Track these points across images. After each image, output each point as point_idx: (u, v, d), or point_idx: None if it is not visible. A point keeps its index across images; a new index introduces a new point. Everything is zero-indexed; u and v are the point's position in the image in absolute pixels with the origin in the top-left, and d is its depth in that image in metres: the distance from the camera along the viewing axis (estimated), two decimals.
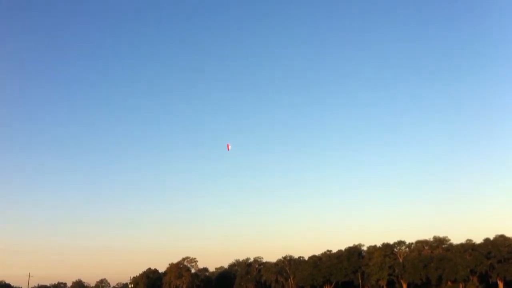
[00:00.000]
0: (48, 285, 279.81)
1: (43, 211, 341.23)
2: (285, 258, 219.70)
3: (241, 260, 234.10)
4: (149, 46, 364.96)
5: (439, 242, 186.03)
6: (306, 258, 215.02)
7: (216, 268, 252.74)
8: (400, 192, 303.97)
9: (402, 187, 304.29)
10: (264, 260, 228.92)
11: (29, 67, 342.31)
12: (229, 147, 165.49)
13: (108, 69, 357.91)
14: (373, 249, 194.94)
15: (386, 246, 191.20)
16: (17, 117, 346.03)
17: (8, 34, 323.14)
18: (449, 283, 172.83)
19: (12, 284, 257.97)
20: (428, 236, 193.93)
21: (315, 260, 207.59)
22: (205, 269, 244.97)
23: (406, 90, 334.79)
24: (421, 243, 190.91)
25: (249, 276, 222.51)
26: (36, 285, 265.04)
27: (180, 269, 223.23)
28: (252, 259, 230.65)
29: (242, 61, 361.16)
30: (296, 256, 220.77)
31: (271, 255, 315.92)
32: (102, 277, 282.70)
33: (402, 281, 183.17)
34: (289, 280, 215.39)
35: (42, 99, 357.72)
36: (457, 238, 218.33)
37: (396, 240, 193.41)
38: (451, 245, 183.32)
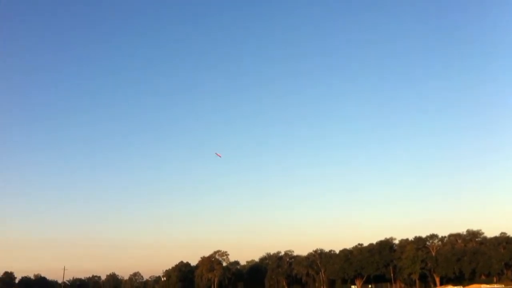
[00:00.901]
0: (83, 278, 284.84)
1: (78, 205, 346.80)
2: (316, 251, 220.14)
3: (272, 254, 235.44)
4: (149, 47, 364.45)
5: (473, 235, 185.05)
6: (337, 252, 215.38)
7: (247, 262, 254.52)
8: (433, 184, 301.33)
9: (435, 179, 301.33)
10: (295, 254, 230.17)
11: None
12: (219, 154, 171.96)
13: (108, 69, 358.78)
14: (405, 242, 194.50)
15: (418, 239, 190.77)
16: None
17: (8, 34, 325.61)
18: (482, 276, 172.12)
19: (48, 277, 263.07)
20: (461, 229, 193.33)
21: (346, 254, 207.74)
22: (237, 263, 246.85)
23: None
24: (454, 237, 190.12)
25: (280, 270, 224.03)
26: (71, 278, 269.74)
27: (211, 262, 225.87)
28: (283, 253, 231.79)
29: (242, 61, 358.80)
30: (327, 249, 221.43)
31: (302, 249, 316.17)
32: (136, 270, 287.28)
33: (434, 275, 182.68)
34: (320, 273, 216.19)
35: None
36: (491, 231, 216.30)
37: (428, 234, 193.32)
38: (484, 238, 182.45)
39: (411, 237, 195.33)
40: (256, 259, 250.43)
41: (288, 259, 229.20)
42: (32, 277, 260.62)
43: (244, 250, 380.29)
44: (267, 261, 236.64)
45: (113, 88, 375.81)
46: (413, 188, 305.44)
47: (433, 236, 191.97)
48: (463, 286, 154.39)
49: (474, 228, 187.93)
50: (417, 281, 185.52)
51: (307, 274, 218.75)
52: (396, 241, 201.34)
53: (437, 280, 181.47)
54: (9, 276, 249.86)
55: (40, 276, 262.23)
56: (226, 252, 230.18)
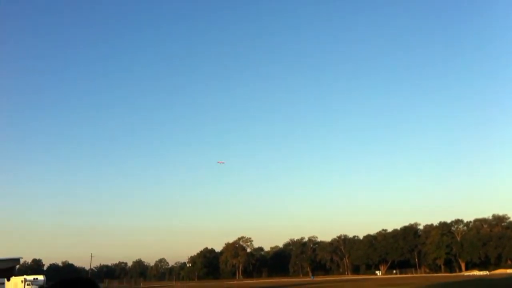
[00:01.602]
0: (110, 264, 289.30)
1: (104, 193, 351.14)
2: (339, 237, 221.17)
3: (295, 240, 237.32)
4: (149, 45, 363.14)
5: (498, 220, 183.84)
6: (361, 238, 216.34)
7: (271, 248, 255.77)
8: (458, 169, 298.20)
9: (461, 164, 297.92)
10: (318, 240, 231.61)
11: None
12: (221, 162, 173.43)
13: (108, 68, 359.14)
14: (429, 228, 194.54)
15: (443, 224, 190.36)
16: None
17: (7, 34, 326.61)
18: (508, 261, 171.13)
19: (75, 264, 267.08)
20: (487, 214, 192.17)
21: (370, 240, 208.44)
22: (260, 249, 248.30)
23: None
24: (480, 222, 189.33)
25: (304, 255, 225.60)
26: (98, 265, 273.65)
27: (236, 248, 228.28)
28: (306, 239, 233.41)
29: (241, 59, 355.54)
30: (350, 235, 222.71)
31: (326, 235, 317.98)
32: (161, 257, 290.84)
33: (460, 260, 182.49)
34: (344, 259, 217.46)
35: None
36: None
37: (453, 219, 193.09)
38: (510, 223, 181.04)
39: (436, 222, 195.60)
40: (280, 245, 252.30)
41: (312, 245, 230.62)
42: (60, 264, 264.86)
43: (268, 237, 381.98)
44: (291, 247, 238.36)
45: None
46: (438, 173, 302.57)
47: (458, 221, 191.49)
48: (488, 271, 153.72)
49: (500, 213, 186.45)
50: (442, 266, 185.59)
51: (331, 260, 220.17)
52: (421, 227, 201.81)
53: (463, 265, 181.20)
54: (37, 263, 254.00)
55: (68, 263, 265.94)
56: (250, 238, 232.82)
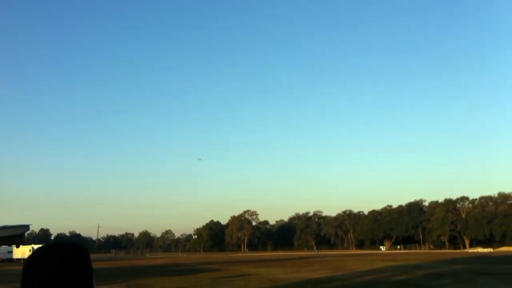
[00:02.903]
0: (116, 235, 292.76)
1: (111, 165, 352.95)
2: (344, 212, 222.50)
3: (301, 214, 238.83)
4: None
5: (504, 198, 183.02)
6: (366, 213, 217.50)
7: (276, 221, 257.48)
8: (464, 146, 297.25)
9: (466, 141, 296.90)
10: (323, 214, 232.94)
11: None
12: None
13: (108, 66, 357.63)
14: (435, 204, 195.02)
15: (448, 201, 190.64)
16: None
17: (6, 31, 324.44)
18: None
19: (82, 234, 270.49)
20: (493, 192, 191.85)
21: (375, 215, 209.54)
22: (266, 222, 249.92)
23: None
24: (485, 199, 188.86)
25: (309, 230, 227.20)
26: (105, 235, 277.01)
27: (241, 221, 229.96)
28: (312, 213, 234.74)
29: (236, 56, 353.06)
30: (355, 211, 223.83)
31: (331, 210, 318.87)
32: (167, 228, 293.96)
33: (464, 237, 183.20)
34: (349, 234, 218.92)
35: None
36: None
37: (459, 196, 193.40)
38: None
39: (441, 199, 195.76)
40: (285, 219, 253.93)
41: (317, 220, 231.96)
42: (67, 234, 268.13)
43: (273, 210, 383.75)
44: (296, 221, 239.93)
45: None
46: (443, 150, 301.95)
47: (463, 199, 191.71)
48: (493, 249, 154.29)
49: (506, 191, 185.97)
50: (446, 243, 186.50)
51: (336, 235, 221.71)
52: (426, 203, 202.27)
53: (467, 242, 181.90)
54: (44, 233, 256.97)
55: (75, 233, 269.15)
56: (255, 211, 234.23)
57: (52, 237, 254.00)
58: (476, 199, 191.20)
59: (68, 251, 1.86)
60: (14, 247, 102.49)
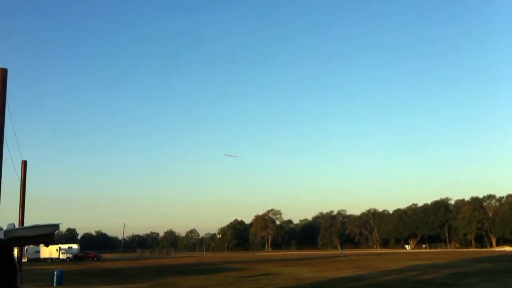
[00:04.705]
0: (142, 234, 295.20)
1: (137, 165, 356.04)
2: (369, 211, 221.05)
3: (325, 213, 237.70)
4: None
5: None
6: (391, 212, 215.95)
7: (300, 221, 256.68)
8: (491, 144, 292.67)
9: (493, 138, 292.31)
10: (348, 213, 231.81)
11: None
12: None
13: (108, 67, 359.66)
14: (461, 203, 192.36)
15: (475, 200, 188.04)
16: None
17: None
18: None
19: (108, 233, 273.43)
20: None
21: (400, 214, 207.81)
22: (290, 221, 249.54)
23: None
24: None
25: (333, 229, 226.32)
26: (131, 235, 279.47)
27: (265, 220, 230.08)
28: (336, 212, 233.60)
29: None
30: (380, 209, 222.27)
31: (355, 209, 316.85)
32: (192, 228, 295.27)
33: (491, 236, 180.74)
34: (374, 233, 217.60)
35: None
36: None
37: (485, 194, 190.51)
38: None
39: (467, 197, 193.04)
40: (309, 218, 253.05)
41: (341, 219, 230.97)
42: (94, 233, 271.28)
43: (297, 210, 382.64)
44: (320, 220, 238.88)
45: None
46: (470, 147, 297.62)
47: (490, 197, 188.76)
48: None
49: None
50: (472, 242, 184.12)
51: (360, 234, 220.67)
52: (452, 202, 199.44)
53: (494, 241, 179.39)
54: (71, 232, 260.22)
55: (101, 233, 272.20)
56: (279, 211, 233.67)
57: (79, 237, 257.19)
58: (503, 197, 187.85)
59: None
60: (41, 247, 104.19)
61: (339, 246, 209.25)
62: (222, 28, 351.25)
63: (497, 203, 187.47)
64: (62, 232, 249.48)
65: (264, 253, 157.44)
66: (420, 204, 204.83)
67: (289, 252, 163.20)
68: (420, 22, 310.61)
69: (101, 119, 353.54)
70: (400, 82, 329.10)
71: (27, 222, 38.16)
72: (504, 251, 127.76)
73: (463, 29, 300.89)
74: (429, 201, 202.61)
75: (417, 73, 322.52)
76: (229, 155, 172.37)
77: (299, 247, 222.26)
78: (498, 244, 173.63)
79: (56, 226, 23.38)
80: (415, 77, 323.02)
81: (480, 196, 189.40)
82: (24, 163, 38.58)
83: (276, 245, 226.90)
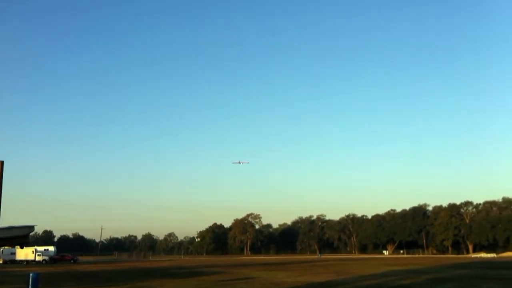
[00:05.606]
0: (119, 237, 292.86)
1: (115, 167, 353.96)
2: (348, 216, 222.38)
3: (304, 218, 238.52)
4: None
5: (508, 202, 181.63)
6: (370, 217, 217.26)
7: (279, 225, 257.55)
8: (469, 151, 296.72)
9: (471, 146, 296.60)
10: (327, 218, 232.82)
11: None
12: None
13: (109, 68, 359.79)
14: (438, 209, 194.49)
15: (452, 206, 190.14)
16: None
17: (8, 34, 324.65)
18: None
19: (86, 236, 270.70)
20: (497, 197, 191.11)
21: (378, 219, 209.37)
22: (269, 226, 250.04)
23: None
24: (489, 204, 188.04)
25: (312, 233, 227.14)
26: (108, 237, 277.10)
27: (244, 224, 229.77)
28: (315, 217, 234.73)
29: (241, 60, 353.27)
30: (359, 215, 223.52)
31: (334, 214, 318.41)
32: (170, 231, 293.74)
33: (468, 242, 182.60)
34: (352, 238, 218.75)
35: None
36: None
37: (463, 201, 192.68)
38: None
39: (445, 204, 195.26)
40: (289, 222, 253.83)
41: (320, 223, 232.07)
42: (71, 235, 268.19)
43: (277, 214, 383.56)
44: (299, 224, 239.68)
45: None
46: (448, 154, 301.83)
47: (467, 203, 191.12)
48: (496, 254, 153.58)
49: (510, 195, 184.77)
50: (449, 248, 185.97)
51: (339, 239, 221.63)
52: (430, 208, 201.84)
53: (470, 247, 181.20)
54: (48, 234, 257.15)
55: (78, 235, 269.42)
56: (259, 215, 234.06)
57: (55, 239, 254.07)
58: (480, 204, 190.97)
59: None
60: (17, 249, 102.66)
61: (317, 251, 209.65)
62: (224, 29, 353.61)
63: (474, 209, 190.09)
64: (39, 234, 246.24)
65: (243, 257, 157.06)
66: (398, 210, 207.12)
67: (268, 257, 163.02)
68: (422, 27, 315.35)
69: (79, 123, 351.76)
70: (377, 90, 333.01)
71: (3, 224, 37.60)
72: (481, 257, 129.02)
73: (459, 37, 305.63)
74: (407, 207, 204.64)
75: (396, 85, 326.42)
76: (240, 162, 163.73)
77: (278, 252, 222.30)
78: (474, 251, 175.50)
79: (31, 228, 23.03)
80: (394, 87, 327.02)
81: (458, 202, 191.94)
82: (1, 164, 37.91)
83: (255, 249, 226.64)
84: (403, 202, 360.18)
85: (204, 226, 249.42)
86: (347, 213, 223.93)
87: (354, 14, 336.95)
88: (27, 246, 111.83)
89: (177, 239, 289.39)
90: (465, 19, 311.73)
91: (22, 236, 22.55)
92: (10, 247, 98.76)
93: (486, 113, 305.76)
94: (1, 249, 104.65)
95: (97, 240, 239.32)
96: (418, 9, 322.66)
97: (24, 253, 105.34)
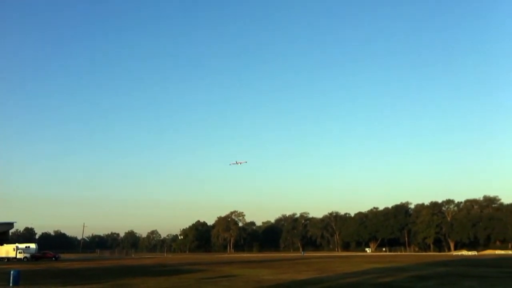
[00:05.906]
0: (102, 235, 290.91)
1: (97, 165, 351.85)
2: (331, 214, 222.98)
3: (287, 215, 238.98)
4: None
5: (489, 201, 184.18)
6: (352, 215, 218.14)
7: (263, 222, 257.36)
8: (451, 150, 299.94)
9: (452, 145, 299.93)
10: (310, 216, 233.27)
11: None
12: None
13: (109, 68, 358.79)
14: (420, 207, 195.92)
15: (434, 204, 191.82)
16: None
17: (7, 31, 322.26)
18: (497, 242, 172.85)
19: (67, 233, 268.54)
20: (478, 195, 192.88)
21: (361, 217, 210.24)
22: (252, 223, 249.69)
23: None
24: (470, 202, 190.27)
25: (295, 231, 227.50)
26: (90, 235, 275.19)
27: (228, 222, 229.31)
28: (298, 215, 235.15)
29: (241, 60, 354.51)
30: (342, 212, 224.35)
31: (317, 211, 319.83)
32: (153, 229, 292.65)
33: (449, 240, 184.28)
34: (335, 236, 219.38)
35: None
36: (508, 198, 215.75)
37: (444, 199, 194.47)
38: (501, 204, 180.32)
39: (427, 202, 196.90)
40: (272, 220, 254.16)
41: (303, 221, 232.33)
42: (52, 233, 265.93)
43: (260, 212, 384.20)
44: (283, 222, 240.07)
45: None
46: (431, 154, 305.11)
47: (449, 202, 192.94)
48: (477, 252, 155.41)
49: (491, 194, 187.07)
50: (431, 246, 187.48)
51: (322, 236, 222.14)
52: (412, 206, 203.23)
53: (452, 245, 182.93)
54: (29, 231, 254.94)
55: (60, 232, 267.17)
56: (242, 212, 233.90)
57: (37, 236, 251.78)
58: (461, 202, 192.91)
59: None
60: None
61: (301, 249, 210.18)
62: (225, 29, 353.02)
63: (456, 208, 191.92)
64: (20, 231, 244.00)
65: (226, 255, 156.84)
66: (381, 208, 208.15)
67: (251, 254, 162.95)
68: (423, 28, 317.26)
69: (59, 120, 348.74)
70: (361, 89, 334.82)
71: None
72: (462, 255, 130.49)
73: (456, 37, 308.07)
74: (390, 205, 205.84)
75: (383, 83, 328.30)
76: (238, 163, 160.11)
77: (261, 249, 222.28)
78: (456, 248, 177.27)
79: (10, 225, 22.77)
80: (381, 86, 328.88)
81: (439, 201, 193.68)
82: None
83: (238, 247, 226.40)
84: (385, 200, 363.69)
85: (187, 223, 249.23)
86: (330, 211, 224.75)
87: (354, 14, 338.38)
88: (7, 243, 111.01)
89: (160, 237, 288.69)
90: (465, 19, 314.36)
91: (2, 232, 22.27)
92: None
93: (467, 114, 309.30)
94: None
95: (79, 237, 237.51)
96: (418, 9, 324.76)
97: (5, 250, 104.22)
